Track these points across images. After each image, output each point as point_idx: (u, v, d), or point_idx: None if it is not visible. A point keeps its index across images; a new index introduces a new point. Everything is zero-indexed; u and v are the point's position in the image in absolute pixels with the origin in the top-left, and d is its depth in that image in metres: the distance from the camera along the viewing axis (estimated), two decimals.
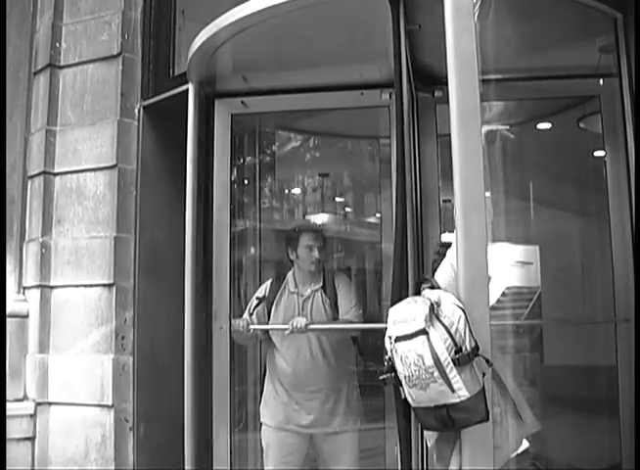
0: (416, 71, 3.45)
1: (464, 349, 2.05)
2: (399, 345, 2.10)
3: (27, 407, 4.08)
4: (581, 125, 4.02)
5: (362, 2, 2.58)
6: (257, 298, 3.65)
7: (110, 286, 3.99)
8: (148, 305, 4.03)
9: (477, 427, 2.11)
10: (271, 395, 3.61)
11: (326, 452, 3.58)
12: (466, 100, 2.20)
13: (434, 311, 2.10)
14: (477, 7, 2.31)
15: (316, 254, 3.62)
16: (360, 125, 4.19)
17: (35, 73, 4.48)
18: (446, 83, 2.23)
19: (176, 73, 4.11)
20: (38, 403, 4.09)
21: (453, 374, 2.03)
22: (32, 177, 4.33)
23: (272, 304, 3.65)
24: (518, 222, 4.64)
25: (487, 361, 2.10)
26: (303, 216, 4.95)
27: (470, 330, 2.08)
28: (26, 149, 4.43)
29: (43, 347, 4.12)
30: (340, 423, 3.53)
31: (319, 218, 4.25)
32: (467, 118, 2.20)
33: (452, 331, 2.06)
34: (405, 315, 2.13)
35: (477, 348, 2.08)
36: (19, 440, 4.04)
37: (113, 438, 3.89)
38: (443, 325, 2.07)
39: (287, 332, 3.35)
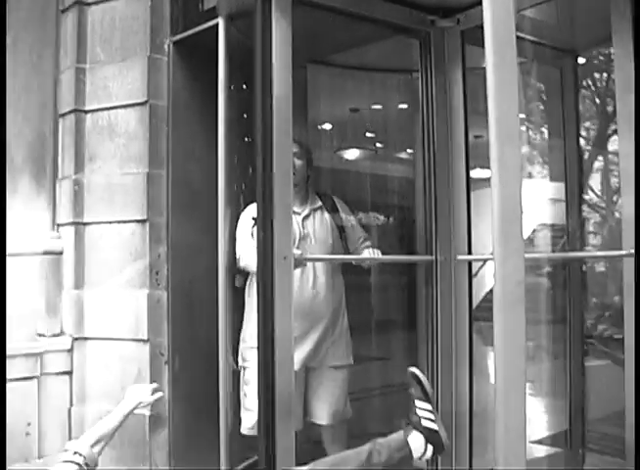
0: None
1: None
2: None
3: (65, 342, 4.16)
4: None
5: None
6: (253, 218, 3.31)
7: (143, 222, 4.01)
8: (181, 240, 4.04)
9: None
10: None
11: (317, 385, 3.50)
12: (502, 29, 2.11)
13: None
14: None
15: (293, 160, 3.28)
16: (392, 58, 4.11)
17: (63, 11, 4.43)
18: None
19: (206, 8, 4.03)
20: (75, 338, 4.17)
21: None
22: (63, 115, 4.32)
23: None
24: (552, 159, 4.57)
25: None
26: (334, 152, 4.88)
27: None
28: (57, 87, 4.42)
29: (78, 283, 4.18)
30: (340, 356, 3.49)
31: (350, 154, 4.17)
32: (503, 49, 2.11)
33: None
34: None
35: None
36: (57, 374, 4.13)
37: (148, 372, 3.96)
38: None
39: None
